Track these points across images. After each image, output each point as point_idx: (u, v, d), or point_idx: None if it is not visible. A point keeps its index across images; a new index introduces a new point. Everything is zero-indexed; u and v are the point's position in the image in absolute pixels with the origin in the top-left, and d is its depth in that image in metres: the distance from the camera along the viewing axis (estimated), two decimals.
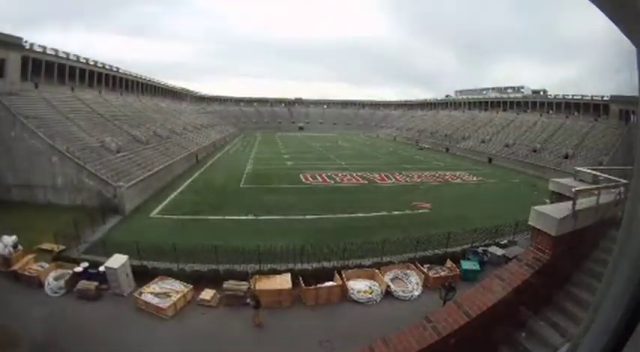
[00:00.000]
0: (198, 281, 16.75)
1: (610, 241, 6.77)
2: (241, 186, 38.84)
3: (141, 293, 15.56)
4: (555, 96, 73.39)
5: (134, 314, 15.01)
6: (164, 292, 15.73)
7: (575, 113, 66.53)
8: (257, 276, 16.58)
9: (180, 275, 17.09)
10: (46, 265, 17.76)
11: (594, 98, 64.31)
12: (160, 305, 14.84)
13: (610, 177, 8.97)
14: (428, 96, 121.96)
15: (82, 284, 16.15)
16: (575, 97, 67.97)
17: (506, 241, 21.61)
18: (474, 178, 47.00)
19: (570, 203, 7.11)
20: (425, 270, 17.89)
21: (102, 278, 16.36)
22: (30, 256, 18.38)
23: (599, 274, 6.22)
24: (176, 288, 16.03)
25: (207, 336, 13.53)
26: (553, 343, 5.78)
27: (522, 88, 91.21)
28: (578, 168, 10.73)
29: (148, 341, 13.21)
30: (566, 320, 6.27)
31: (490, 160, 62.57)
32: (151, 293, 15.64)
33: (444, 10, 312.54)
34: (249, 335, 13.78)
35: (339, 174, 45.28)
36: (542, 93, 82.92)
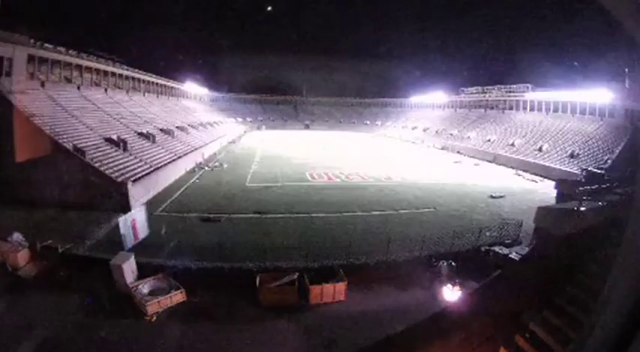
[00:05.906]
0: (203, 278, 16.86)
1: (614, 243, 6.75)
2: (247, 184, 38.82)
3: (134, 288, 15.81)
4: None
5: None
6: (151, 290, 16.01)
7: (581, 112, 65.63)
8: (261, 275, 16.64)
9: (185, 273, 17.10)
10: None
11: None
12: (144, 302, 15.04)
13: (615, 177, 8.94)
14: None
15: None
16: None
17: (510, 240, 21.54)
18: (480, 177, 46.80)
19: (575, 203, 7.11)
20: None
21: None
22: (35, 254, 18.51)
23: (601, 276, 6.21)
24: (165, 289, 16.17)
25: (208, 335, 13.65)
26: (555, 344, 5.80)
27: (528, 86, 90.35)
28: (584, 168, 10.69)
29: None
30: (568, 322, 6.28)
31: (495, 159, 62.24)
32: (141, 287, 15.93)
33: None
34: (253, 334, 13.86)
35: (346, 172, 45.26)
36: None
